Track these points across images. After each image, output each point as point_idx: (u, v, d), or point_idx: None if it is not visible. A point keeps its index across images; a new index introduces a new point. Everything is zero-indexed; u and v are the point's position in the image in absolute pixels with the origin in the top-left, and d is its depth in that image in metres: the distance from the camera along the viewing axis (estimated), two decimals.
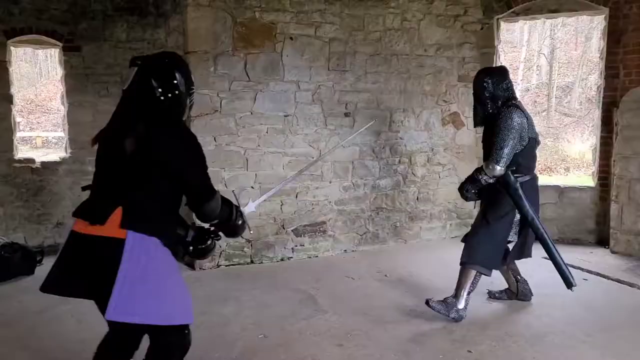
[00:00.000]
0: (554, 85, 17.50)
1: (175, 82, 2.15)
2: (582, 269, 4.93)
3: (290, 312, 3.84)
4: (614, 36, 5.64)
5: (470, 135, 6.18)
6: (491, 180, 3.63)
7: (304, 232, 5.35)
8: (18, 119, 5.83)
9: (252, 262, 5.11)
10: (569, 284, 3.69)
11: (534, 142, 3.73)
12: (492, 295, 4.20)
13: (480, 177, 3.67)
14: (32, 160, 5.67)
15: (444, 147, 6.07)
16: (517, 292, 4.14)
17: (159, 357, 2.23)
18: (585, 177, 11.54)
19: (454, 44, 5.95)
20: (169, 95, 2.14)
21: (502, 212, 3.70)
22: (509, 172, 3.59)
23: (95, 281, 2.05)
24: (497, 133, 3.55)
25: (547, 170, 12.46)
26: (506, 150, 3.53)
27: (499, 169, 3.56)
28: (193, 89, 2.26)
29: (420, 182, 5.97)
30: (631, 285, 4.49)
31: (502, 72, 3.81)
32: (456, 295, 3.79)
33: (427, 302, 3.77)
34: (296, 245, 5.32)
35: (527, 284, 4.16)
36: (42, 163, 5.70)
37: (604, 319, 3.76)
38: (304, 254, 5.36)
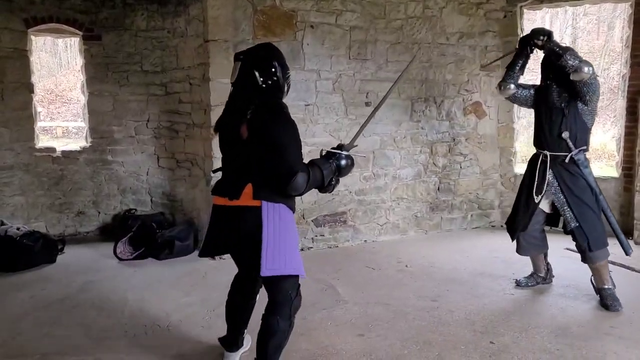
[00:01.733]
0: None
1: (273, 70, 2.49)
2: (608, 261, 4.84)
3: (311, 302, 3.84)
4: (639, 24, 5.50)
5: (493, 125, 6.10)
6: (571, 63, 3.50)
7: (324, 222, 5.33)
8: (39, 109, 5.87)
9: None
10: (626, 250, 3.86)
11: None
12: (519, 284, 4.19)
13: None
14: (53, 150, 5.72)
15: (465, 137, 6.00)
16: (547, 276, 4.21)
17: (274, 309, 2.59)
18: (608, 168, 11.43)
19: (476, 33, 5.86)
20: (269, 82, 2.48)
21: (591, 192, 3.75)
22: (582, 151, 3.73)
23: (243, 240, 2.51)
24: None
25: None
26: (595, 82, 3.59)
27: (588, 72, 3.49)
28: (289, 72, 2.59)
29: (441, 172, 5.92)
30: None
31: None
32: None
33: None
34: (316, 236, 5.32)
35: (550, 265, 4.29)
36: (63, 152, 5.75)
37: (629, 311, 3.70)
38: (324, 244, 5.35)
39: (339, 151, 2.66)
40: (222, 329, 3.14)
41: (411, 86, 5.59)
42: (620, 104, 5.91)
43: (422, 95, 5.67)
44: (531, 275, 4.23)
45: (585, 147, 3.75)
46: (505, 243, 5.48)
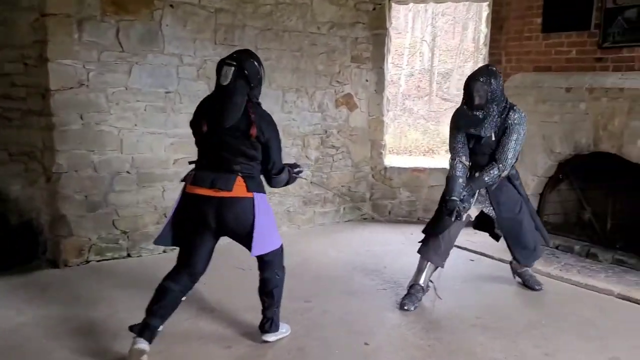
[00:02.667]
0: (435, 72, 18.24)
1: (259, 74, 2.89)
2: (468, 250, 5.04)
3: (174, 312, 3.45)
4: (496, 23, 5.78)
5: (364, 118, 6.09)
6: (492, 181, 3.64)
7: None
8: None
9: (129, 256, 4.59)
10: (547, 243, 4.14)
11: None
12: (404, 307, 3.68)
13: (488, 178, 3.61)
14: None
15: (337, 130, 5.91)
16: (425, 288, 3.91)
17: (270, 266, 3.09)
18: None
19: (347, 23, 5.77)
20: (257, 84, 2.88)
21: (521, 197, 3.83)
22: (514, 168, 3.78)
23: (236, 226, 2.89)
24: (510, 139, 3.53)
25: (430, 152, 13.08)
26: (514, 155, 3.62)
27: (507, 171, 3.65)
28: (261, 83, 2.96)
29: (314, 165, 5.77)
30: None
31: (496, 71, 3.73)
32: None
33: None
34: None
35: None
36: None
37: (491, 300, 3.81)
38: None
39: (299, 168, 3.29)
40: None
41: (282, 76, 5.35)
42: None
43: (294, 85, 5.46)
44: (411, 292, 3.72)
45: (515, 161, 3.72)
46: (376, 236, 5.57)
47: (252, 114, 2.80)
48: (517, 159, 3.71)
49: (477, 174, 3.64)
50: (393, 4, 6.18)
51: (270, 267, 3.08)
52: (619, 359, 2.97)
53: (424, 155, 12.13)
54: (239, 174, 2.82)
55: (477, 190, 3.66)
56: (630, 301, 3.79)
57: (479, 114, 3.48)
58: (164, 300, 2.87)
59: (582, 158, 4.81)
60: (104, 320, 3.35)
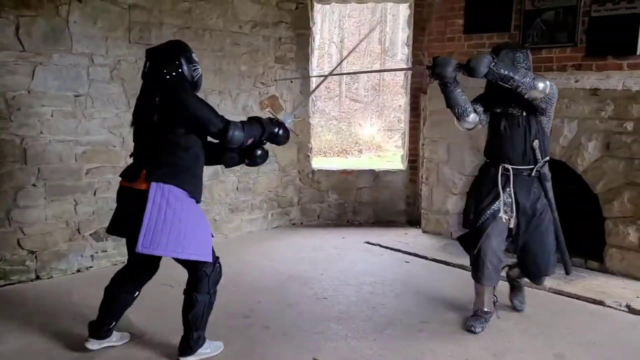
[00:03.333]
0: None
1: (177, 62, 2.73)
2: (402, 251, 5.01)
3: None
4: (419, 24, 5.83)
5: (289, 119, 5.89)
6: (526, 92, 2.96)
7: (106, 235, 4.47)
8: None
9: (37, 277, 4.09)
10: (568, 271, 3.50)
11: None
12: (471, 329, 3.29)
13: (526, 80, 2.94)
14: None
15: None
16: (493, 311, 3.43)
17: (193, 286, 2.81)
18: (376, 159, 12.76)
19: (269, 23, 5.57)
20: (174, 74, 2.71)
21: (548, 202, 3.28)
22: (546, 163, 3.24)
23: (130, 222, 2.64)
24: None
25: (343, 153, 13.27)
26: (553, 91, 3.07)
27: (542, 87, 2.98)
28: (196, 66, 2.84)
29: (239, 170, 5.50)
30: (447, 263, 4.66)
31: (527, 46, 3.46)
32: None
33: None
34: (97, 252, 4.45)
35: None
36: None
37: (435, 304, 3.76)
38: (107, 260, 4.51)
39: (278, 118, 2.95)
40: None
41: (204, 77, 5.01)
42: (405, 100, 6.24)
43: (217, 87, 5.17)
44: (479, 315, 3.32)
45: (549, 157, 3.27)
46: (308, 241, 5.41)
47: (159, 100, 2.67)
48: (546, 155, 3.23)
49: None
50: (315, 4, 6.06)
51: (191, 284, 2.83)
52: (563, 355, 3.00)
53: (337, 155, 12.26)
54: (147, 163, 2.67)
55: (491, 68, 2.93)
56: (562, 295, 3.89)
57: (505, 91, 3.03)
58: (108, 302, 2.93)
59: None
60: (14, 357, 2.92)
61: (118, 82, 4.38)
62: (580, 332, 3.26)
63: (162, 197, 2.59)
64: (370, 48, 19.73)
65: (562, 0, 4.52)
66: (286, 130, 2.96)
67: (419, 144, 5.91)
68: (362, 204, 6.21)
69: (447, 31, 5.46)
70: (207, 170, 5.11)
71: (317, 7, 6.09)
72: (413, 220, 6.03)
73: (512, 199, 3.18)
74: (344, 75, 18.56)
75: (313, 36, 6.07)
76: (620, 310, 3.59)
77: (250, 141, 2.77)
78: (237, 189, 5.54)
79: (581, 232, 4.45)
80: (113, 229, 2.86)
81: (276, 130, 2.91)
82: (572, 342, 3.14)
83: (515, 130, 3.16)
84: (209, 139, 2.81)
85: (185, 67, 2.75)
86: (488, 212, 3.23)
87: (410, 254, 4.94)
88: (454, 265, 4.56)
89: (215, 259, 2.86)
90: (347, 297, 3.86)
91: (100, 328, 2.94)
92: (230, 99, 5.32)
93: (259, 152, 2.95)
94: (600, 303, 3.68)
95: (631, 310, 3.55)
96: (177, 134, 2.65)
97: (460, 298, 3.80)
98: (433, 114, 5.40)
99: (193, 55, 2.83)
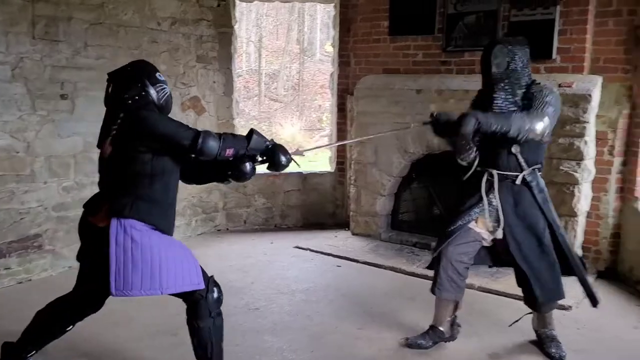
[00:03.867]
0: (263, 73, 18.34)
1: (139, 85, 2.48)
2: (332, 255, 4.94)
3: None
4: (344, 25, 5.79)
5: (213, 122, 5.66)
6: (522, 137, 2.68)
7: (9, 250, 4.05)
8: None
9: None
10: (595, 302, 2.96)
11: None
12: (411, 345, 3.08)
13: (519, 126, 2.64)
14: None
15: None
16: (452, 333, 3.12)
17: (192, 313, 2.60)
18: (300, 159, 12.79)
19: (190, 20, 5.30)
20: (136, 97, 2.44)
21: (544, 225, 2.89)
22: (536, 170, 2.90)
23: (94, 260, 2.44)
24: (544, 102, 2.76)
25: None
26: (551, 119, 2.72)
27: (541, 130, 2.68)
28: (161, 85, 2.56)
29: None
30: (378, 266, 4.63)
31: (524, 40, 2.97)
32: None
33: None
34: None
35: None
36: None
37: (367, 308, 3.71)
38: (11, 279, 4.07)
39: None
40: None
41: None
42: (331, 101, 6.18)
43: None
44: (428, 331, 3.09)
45: (539, 166, 2.93)
46: (235, 248, 5.20)
47: (115, 129, 2.44)
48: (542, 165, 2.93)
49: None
50: (237, 2, 5.85)
51: (189, 311, 2.62)
52: (498, 355, 3.03)
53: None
54: (107, 198, 2.45)
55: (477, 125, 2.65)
56: (490, 293, 3.97)
57: (498, 91, 2.78)
58: (40, 327, 2.68)
59: (434, 157, 4.98)
60: None
61: (21, 82, 3.96)
62: (511, 329, 3.31)
63: (125, 235, 2.35)
64: (288, 48, 19.73)
65: (483, 5, 4.63)
66: (288, 159, 2.60)
67: (346, 146, 5.87)
68: (290, 207, 6.09)
69: (372, 32, 5.44)
70: None
71: (238, 5, 5.89)
72: (342, 223, 5.97)
73: (498, 206, 2.88)
74: (263, 75, 18.40)
75: (236, 35, 5.86)
76: None
77: (230, 152, 2.44)
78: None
79: None
80: (80, 258, 2.65)
81: (269, 157, 2.58)
82: (502, 338, 3.19)
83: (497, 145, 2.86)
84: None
85: (150, 89, 2.50)
86: (461, 219, 2.92)
87: (341, 257, 4.88)
88: (386, 268, 4.54)
89: (209, 278, 2.67)
90: (281, 306, 3.72)
91: (17, 354, 2.67)
92: None
93: (248, 166, 2.55)
94: None
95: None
96: (143, 161, 2.38)
97: (394, 302, 3.77)
98: (360, 116, 5.37)
99: (158, 74, 2.59)
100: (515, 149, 2.81)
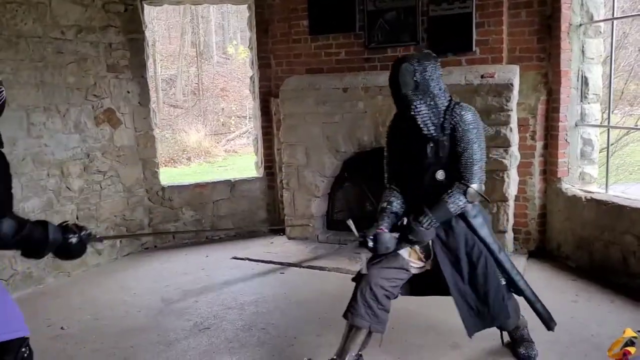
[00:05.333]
0: (159, 78, 17.75)
1: None
2: (273, 262, 4.81)
3: None
4: (261, 26, 5.66)
5: (130, 135, 5.33)
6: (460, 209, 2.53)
7: None
8: None
9: None
10: (549, 326, 2.80)
11: None
12: None
13: (456, 207, 2.51)
14: None
15: (101, 151, 5.03)
16: None
17: None
18: (207, 165, 12.59)
19: (96, 27, 4.93)
20: None
21: (480, 252, 2.63)
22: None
23: None
24: (462, 142, 2.50)
25: (171, 162, 12.81)
26: (481, 164, 2.54)
27: (479, 189, 2.54)
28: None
29: (78, 197, 4.80)
30: (322, 268, 4.58)
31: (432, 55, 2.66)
32: None
33: None
34: None
35: None
36: None
37: (318, 313, 3.63)
38: None
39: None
40: None
41: (23, 92, 4.27)
42: (254, 105, 6.03)
43: (40, 103, 4.41)
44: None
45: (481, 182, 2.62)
46: (169, 266, 4.92)
47: None
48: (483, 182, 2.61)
49: (431, 208, 2.55)
50: (145, 5, 5.54)
51: None
52: (458, 344, 3.07)
53: (164, 165, 11.81)
54: None
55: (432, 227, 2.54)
56: None
57: (415, 112, 2.52)
58: None
59: (364, 154, 5.00)
60: None
61: None
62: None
63: None
64: (184, 52, 19.24)
65: (402, 1, 4.70)
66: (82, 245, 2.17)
67: (274, 149, 5.76)
68: (220, 218, 5.87)
69: (291, 32, 5.37)
70: (39, 202, 4.40)
71: (166, 5, 5.59)
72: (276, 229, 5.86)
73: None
74: (158, 80, 17.68)
75: (147, 40, 5.55)
76: None
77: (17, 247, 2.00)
78: (77, 217, 4.82)
79: None
80: None
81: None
82: (456, 329, 3.24)
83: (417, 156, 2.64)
84: None
85: None
86: None
87: (282, 264, 4.77)
88: (330, 270, 4.49)
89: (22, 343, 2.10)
90: (232, 322, 3.54)
91: None
92: (59, 115, 4.60)
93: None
94: None
95: None
96: None
97: (344, 303, 3.73)
98: (287, 118, 5.28)
99: None
100: (440, 175, 2.59)
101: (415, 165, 2.64)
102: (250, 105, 16.47)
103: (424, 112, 2.52)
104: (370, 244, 2.49)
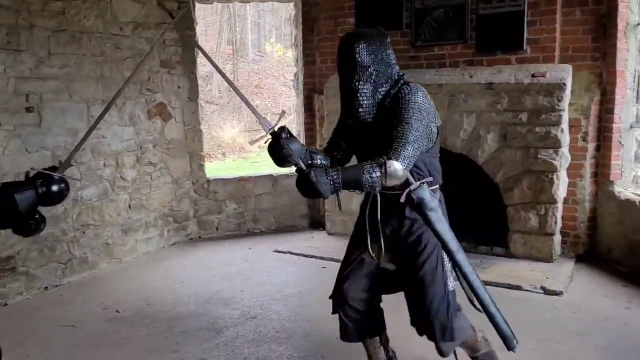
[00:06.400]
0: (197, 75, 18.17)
1: None
2: (315, 257, 4.89)
3: None
4: (307, 24, 5.74)
5: (180, 129, 5.49)
6: (377, 188, 2.11)
7: None
8: None
9: None
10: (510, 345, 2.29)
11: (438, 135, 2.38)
12: None
13: (368, 177, 2.06)
14: None
15: (153, 144, 5.21)
16: None
17: None
18: (241, 161, 12.77)
19: (152, 24, 5.10)
20: None
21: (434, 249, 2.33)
22: (425, 185, 2.17)
23: None
24: (399, 119, 2.17)
25: (207, 157, 13.07)
26: (414, 146, 2.14)
27: (402, 171, 2.08)
28: None
29: (131, 187, 4.99)
30: None
31: (384, 35, 2.35)
32: None
33: None
34: None
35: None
36: None
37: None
38: None
39: (49, 172, 1.92)
40: None
41: (85, 85, 4.47)
42: (297, 101, 6.12)
43: (100, 96, 4.61)
44: None
45: (430, 179, 2.28)
46: (213, 256, 5.06)
47: None
48: (429, 172, 2.32)
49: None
50: (197, 3, 5.70)
51: None
52: None
53: (210, 161, 12.09)
54: None
55: (338, 188, 2.17)
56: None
57: (357, 92, 2.23)
58: None
59: None
60: None
61: None
62: (511, 318, 3.35)
63: None
64: (220, 49, 19.51)
65: None
66: (62, 184, 1.96)
67: (317, 145, 5.82)
68: (262, 211, 5.99)
69: (337, 30, 5.42)
70: (96, 190, 4.59)
71: (216, 3, 5.74)
72: (315, 223, 5.94)
73: (379, 229, 2.36)
74: (197, 76, 17.97)
75: (197, 37, 5.70)
76: (536, 292, 3.79)
77: None
78: (129, 207, 5.02)
79: (485, 221, 4.68)
80: None
81: (44, 198, 1.90)
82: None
83: (368, 141, 2.35)
84: None
85: None
86: (353, 253, 2.51)
87: (324, 258, 4.83)
88: None
89: None
90: (278, 313, 3.64)
91: None
92: (116, 108, 4.79)
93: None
94: (518, 288, 3.85)
95: (546, 291, 3.77)
96: None
97: (388, 298, 3.77)
98: (331, 114, 5.33)
99: None
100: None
101: (363, 152, 2.35)
102: (284, 102, 16.63)
103: (363, 95, 2.25)
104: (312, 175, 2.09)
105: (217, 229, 5.85)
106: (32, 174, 1.92)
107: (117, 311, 3.75)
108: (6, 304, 3.90)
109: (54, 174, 1.92)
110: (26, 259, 4.07)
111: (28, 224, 1.94)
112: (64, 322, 3.58)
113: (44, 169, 1.93)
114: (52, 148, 4.18)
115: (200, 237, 5.73)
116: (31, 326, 3.52)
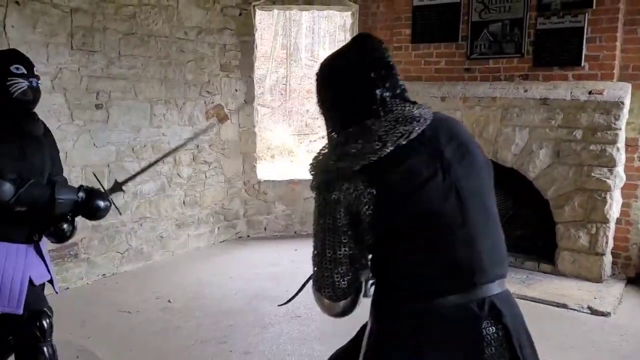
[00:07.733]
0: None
1: None
2: None
3: None
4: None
5: (235, 130, 5.70)
6: None
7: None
8: None
9: None
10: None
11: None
12: None
13: None
14: None
15: (209, 144, 5.43)
16: None
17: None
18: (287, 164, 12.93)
19: (214, 29, 5.34)
20: None
21: None
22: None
23: None
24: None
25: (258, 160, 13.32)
26: None
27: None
28: (10, 79, 2.18)
29: (186, 184, 5.22)
30: None
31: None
32: None
33: None
34: None
35: None
36: None
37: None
38: (49, 287, 4.07)
39: (103, 189, 2.35)
40: None
41: (149, 86, 4.72)
42: None
43: (162, 96, 4.86)
44: None
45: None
46: (260, 255, 5.22)
47: None
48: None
49: None
50: (257, 10, 5.90)
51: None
52: None
53: (267, 160, 12.29)
54: None
55: None
56: (526, 299, 3.99)
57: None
58: None
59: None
60: None
61: (60, 93, 3.98)
62: (555, 336, 3.35)
63: None
64: (275, 54, 19.83)
65: (509, 13, 4.69)
66: (107, 202, 2.39)
67: None
68: (309, 214, 6.10)
69: (393, 40, 5.48)
70: (154, 186, 4.83)
71: (276, 10, 5.94)
72: None
73: None
74: (254, 81, 18.32)
75: (256, 43, 5.91)
76: (583, 312, 3.74)
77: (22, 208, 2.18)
78: (184, 203, 5.25)
79: (533, 237, 4.64)
80: None
81: (88, 210, 2.35)
82: (551, 347, 3.22)
83: None
84: None
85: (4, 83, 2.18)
86: None
87: None
88: None
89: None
90: (321, 314, 3.70)
91: None
92: (177, 108, 5.04)
93: (65, 226, 2.37)
94: (564, 306, 3.82)
95: (593, 311, 3.72)
96: None
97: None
98: None
99: (13, 67, 2.21)
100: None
101: None
102: None
103: None
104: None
105: (265, 229, 6.01)
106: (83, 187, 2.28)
107: (169, 301, 3.95)
108: (67, 288, 4.16)
109: (105, 190, 2.30)
110: (88, 247, 4.34)
111: (61, 229, 2.32)
112: (121, 308, 3.80)
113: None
114: (117, 144, 4.45)
115: (248, 236, 5.91)
116: (91, 310, 3.76)
